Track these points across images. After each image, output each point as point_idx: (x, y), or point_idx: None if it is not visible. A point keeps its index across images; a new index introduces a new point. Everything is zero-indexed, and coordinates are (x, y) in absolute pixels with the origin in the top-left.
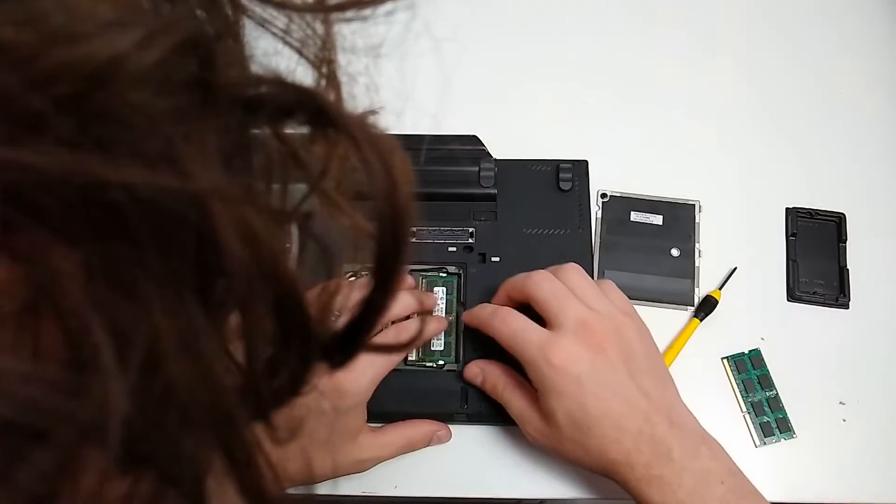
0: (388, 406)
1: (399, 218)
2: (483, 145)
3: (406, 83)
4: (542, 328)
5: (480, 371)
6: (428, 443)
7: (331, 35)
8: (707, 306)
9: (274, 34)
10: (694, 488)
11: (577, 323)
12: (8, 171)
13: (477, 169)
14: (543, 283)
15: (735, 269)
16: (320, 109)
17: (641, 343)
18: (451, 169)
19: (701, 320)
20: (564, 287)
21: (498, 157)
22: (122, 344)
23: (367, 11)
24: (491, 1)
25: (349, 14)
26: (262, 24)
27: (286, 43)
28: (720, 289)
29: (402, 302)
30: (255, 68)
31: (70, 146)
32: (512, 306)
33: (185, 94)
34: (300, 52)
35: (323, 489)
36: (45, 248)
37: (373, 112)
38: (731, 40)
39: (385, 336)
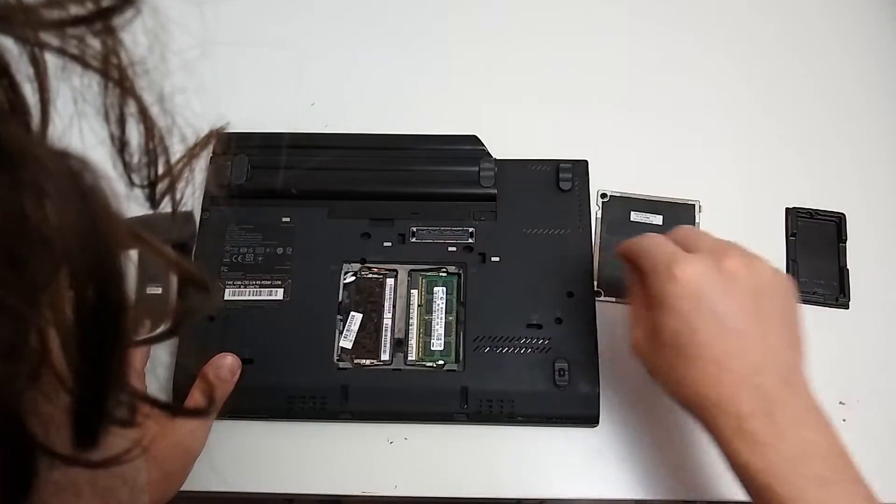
0: (388, 406)
1: (102, 285)
2: (483, 145)
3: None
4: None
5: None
6: (224, 381)
7: (109, 43)
8: None
9: (49, 49)
10: (789, 456)
11: (713, 248)
12: None
13: (477, 169)
14: (683, 228)
15: None
16: None
17: (783, 299)
18: (451, 169)
19: None
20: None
21: (498, 157)
22: None
23: (117, 20)
24: (492, 2)
25: (122, 21)
26: (38, 46)
27: (67, 56)
28: None
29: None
30: None
31: None
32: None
33: None
34: (84, 63)
35: (322, 488)
36: None
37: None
38: (731, 41)
39: (192, 396)
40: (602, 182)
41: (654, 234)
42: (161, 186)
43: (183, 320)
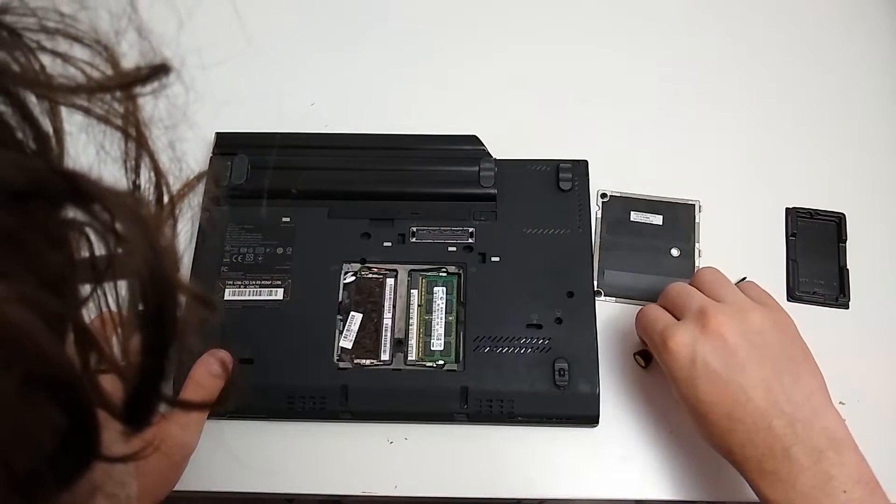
0: (388, 406)
1: (163, 294)
2: (483, 145)
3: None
4: (672, 318)
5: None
6: (216, 377)
7: (130, 106)
8: None
9: (77, 109)
10: (809, 491)
11: (697, 311)
12: None
13: (477, 169)
14: (674, 286)
15: (744, 278)
16: (72, 186)
17: (776, 333)
18: (451, 169)
19: None
20: (692, 286)
21: (498, 157)
22: None
23: (146, 88)
24: (492, 3)
25: (146, 89)
26: (65, 104)
27: (93, 116)
28: None
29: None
30: None
31: None
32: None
33: None
34: (107, 122)
35: (322, 488)
36: None
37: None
38: (730, 41)
39: (185, 392)
40: (602, 182)
41: (650, 305)
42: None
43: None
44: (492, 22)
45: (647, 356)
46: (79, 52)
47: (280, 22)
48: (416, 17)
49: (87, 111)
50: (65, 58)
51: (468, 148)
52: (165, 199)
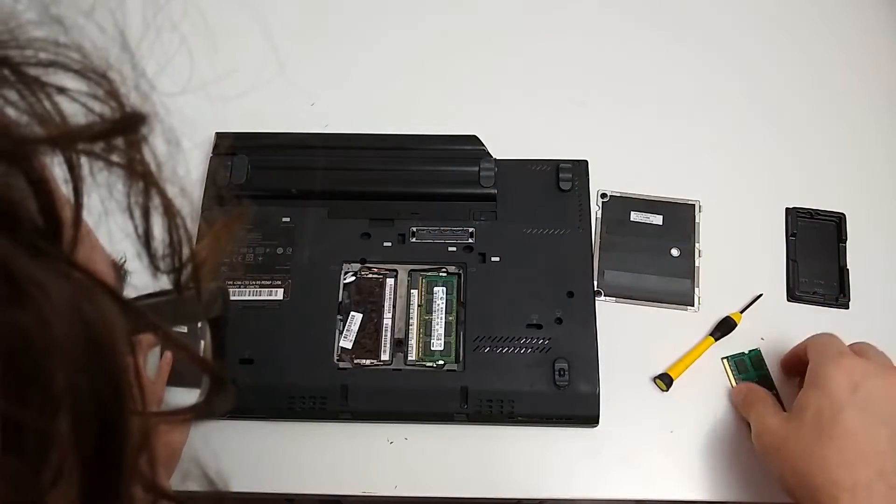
0: (388, 406)
1: (104, 388)
2: (483, 145)
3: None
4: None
5: (746, 389)
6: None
7: (133, 145)
8: (725, 328)
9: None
10: None
11: (883, 362)
12: None
13: (477, 169)
14: (860, 343)
15: (761, 295)
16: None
17: None
18: (451, 169)
19: (716, 339)
20: None
21: (498, 157)
22: None
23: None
24: (492, 2)
25: None
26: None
27: (93, 156)
28: (742, 312)
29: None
30: None
31: None
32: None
33: None
34: (109, 162)
35: (322, 488)
36: None
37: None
38: (731, 41)
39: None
40: (602, 182)
41: (831, 334)
42: (186, 272)
43: (198, 417)
44: (492, 22)
45: (667, 380)
46: (71, 83)
47: (280, 22)
48: (416, 16)
49: (87, 152)
50: (67, 93)
51: (468, 148)
52: (185, 248)
